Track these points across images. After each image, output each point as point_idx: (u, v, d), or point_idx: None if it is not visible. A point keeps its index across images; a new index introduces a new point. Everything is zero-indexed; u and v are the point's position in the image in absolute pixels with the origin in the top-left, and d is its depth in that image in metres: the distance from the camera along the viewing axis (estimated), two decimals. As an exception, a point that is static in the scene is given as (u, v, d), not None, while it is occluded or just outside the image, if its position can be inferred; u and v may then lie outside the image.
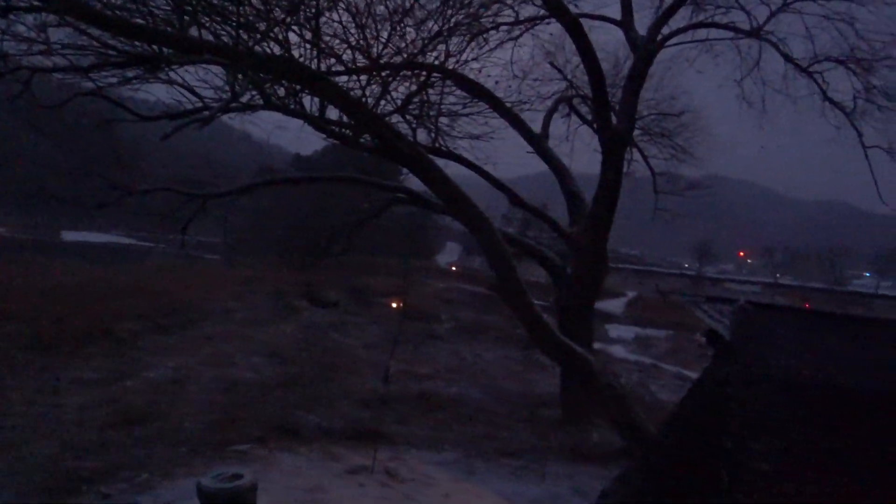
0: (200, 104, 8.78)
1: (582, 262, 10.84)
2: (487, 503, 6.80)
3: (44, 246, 40.96)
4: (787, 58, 12.37)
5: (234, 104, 8.25)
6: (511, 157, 13.19)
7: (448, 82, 9.94)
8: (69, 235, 52.71)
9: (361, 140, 8.20)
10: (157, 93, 9.06)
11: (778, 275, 79.34)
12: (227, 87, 7.75)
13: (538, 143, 12.16)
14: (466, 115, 11.37)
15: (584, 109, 14.59)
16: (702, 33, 12.55)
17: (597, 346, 20.76)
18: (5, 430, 9.30)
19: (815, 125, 13.61)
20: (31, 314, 17.13)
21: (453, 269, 54.24)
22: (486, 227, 7.28)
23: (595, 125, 11.68)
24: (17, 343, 14.45)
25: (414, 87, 9.07)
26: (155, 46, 6.58)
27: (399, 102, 9.21)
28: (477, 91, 10.50)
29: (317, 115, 7.86)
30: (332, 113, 8.29)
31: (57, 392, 11.63)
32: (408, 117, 10.18)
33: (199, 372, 13.54)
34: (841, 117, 12.61)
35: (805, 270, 76.48)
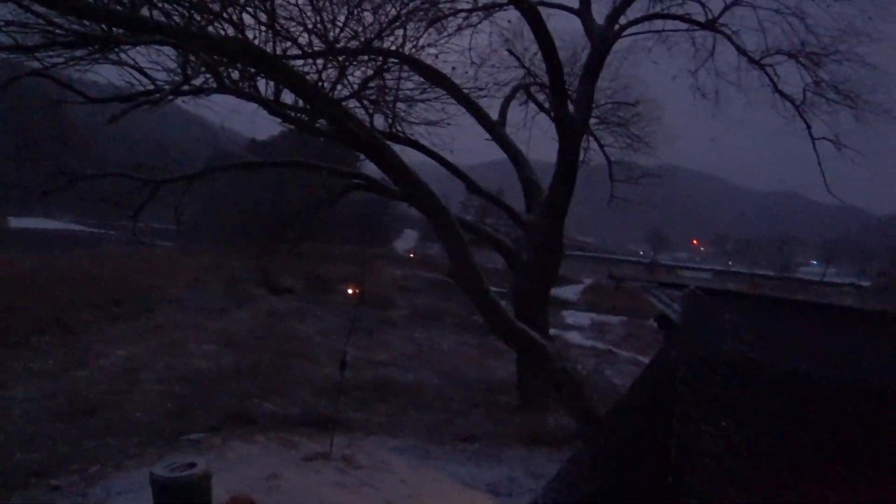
0: (152, 87, 8.60)
1: (538, 249, 10.93)
2: (444, 488, 6.84)
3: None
4: (741, 50, 12.62)
5: (186, 87, 8.08)
6: (468, 145, 13.23)
7: (405, 68, 9.90)
8: (16, 222, 51.07)
9: (317, 125, 8.12)
10: (107, 75, 8.81)
11: (730, 262, 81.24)
12: (179, 70, 7.57)
13: (495, 129, 12.17)
14: (423, 101, 11.36)
15: (541, 97, 14.65)
16: (658, 24, 12.70)
17: (553, 332, 20.99)
18: (-50, 425, 9.10)
19: (766, 117, 13.94)
20: (-24, 305, 16.72)
21: (411, 255, 54.13)
22: (443, 214, 7.28)
23: (552, 113, 11.75)
24: (-35, 335, 14.10)
25: (371, 72, 8.99)
26: (104, 26, 6.38)
27: (356, 87, 9.13)
28: (434, 77, 10.48)
29: (272, 99, 7.75)
30: (288, 97, 8.18)
31: (3, 386, 11.37)
32: (365, 102, 10.11)
33: (153, 361, 13.32)
34: (791, 109, 12.95)
35: (755, 258, 78.46)
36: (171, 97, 8.31)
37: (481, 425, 9.96)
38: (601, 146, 15.13)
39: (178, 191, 11.76)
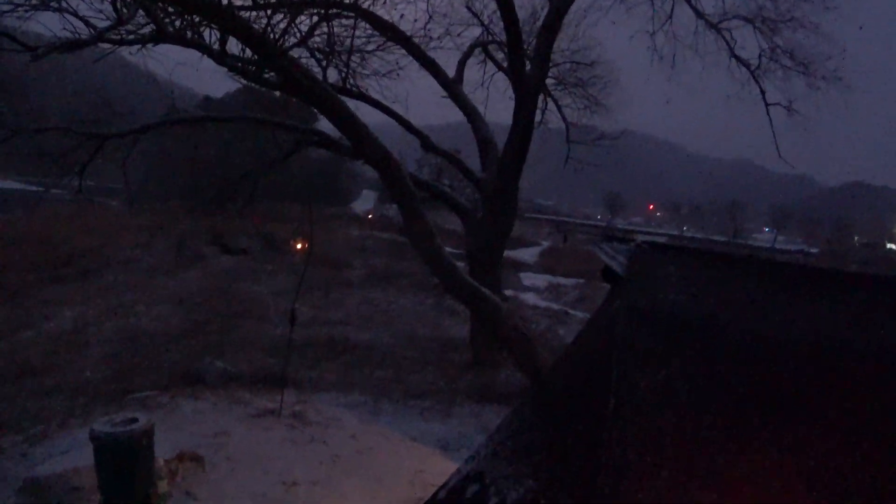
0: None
1: (492, 208, 10.88)
2: (393, 443, 6.87)
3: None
4: (698, 13, 12.67)
5: (130, 37, 7.76)
6: (425, 106, 13.02)
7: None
8: None
9: (266, 76, 7.87)
10: (51, 26, 8.42)
11: (684, 227, 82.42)
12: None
13: (452, 87, 12.02)
14: (379, 50, 11.11)
15: (500, 56, 14.50)
16: (618, -17, 12.66)
17: (509, 293, 21.16)
18: None
19: (722, 83, 14.08)
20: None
21: (369, 217, 53.57)
22: (393, 168, 7.15)
23: (510, 72, 11.62)
24: None
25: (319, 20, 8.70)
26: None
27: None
28: (387, 28, 10.29)
29: (217, 48, 7.47)
30: (235, 46, 7.90)
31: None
32: (317, 55, 9.85)
33: (100, 322, 13.09)
34: (746, 75, 13.12)
35: (708, 224, 79.64)
36: (109, 45, 8.00)
37: (433, 382, 10.00)
38: (559, 107, 15.05)
39: (124, 147, 11.38)
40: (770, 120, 13.16)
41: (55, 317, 13.61)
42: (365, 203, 68.98)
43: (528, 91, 10.52)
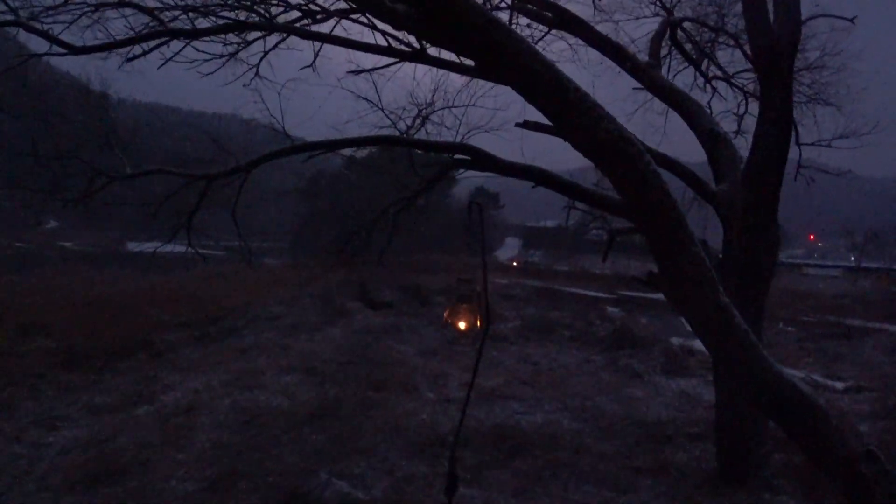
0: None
1: (740, 234, 6.63)
2: None
3: (108, 257, 40.01)
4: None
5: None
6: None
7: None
8: (133, 247, 52.66)
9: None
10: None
11: (852, 258, 67.83)
12: None
13: (648, 73, 7.98)
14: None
15: (688, 47, 10.44)
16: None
17: (676, 340, 16.41)
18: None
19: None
20: (68, 326, 15.04)
21: (514, 264, 49.91)
22: (643, 166, 3.31)
23: (749, 35, 7.29)
24: (48, 359, 12.23)
25: None
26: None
27: None
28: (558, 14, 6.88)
29: None
30: None
31: (52, 427, 8.86)
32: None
33: (219, 397, 10.21)
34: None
35: (890, 253, 65.77)
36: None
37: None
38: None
39: (232, 188, 8.84)
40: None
41: (177, 387, 10.94)
42: (508, 251, 65.75)
43: (778, 58, 6.40)
